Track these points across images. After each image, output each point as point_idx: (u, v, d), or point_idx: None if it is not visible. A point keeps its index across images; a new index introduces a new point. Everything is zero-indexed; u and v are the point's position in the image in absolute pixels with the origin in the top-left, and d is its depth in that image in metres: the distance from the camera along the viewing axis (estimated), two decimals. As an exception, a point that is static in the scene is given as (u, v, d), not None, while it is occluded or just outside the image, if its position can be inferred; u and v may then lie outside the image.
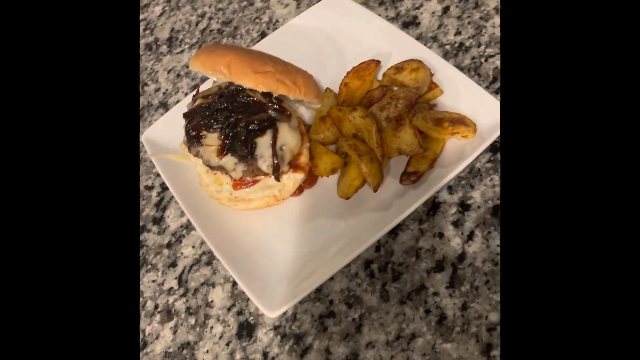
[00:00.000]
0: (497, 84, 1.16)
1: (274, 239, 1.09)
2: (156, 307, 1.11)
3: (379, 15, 1.40)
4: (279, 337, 1.00)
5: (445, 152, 1.07)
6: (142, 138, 1.28)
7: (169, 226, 1.23)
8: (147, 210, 1.27)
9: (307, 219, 1.11)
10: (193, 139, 1.06)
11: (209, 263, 1.13)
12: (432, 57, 1.16)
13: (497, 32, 1.25)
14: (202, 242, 1.17)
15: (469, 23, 1.30)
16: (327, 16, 1.38)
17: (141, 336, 1.08)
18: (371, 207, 1.07)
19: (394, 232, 1.04)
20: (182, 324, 1.07)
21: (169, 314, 1.10)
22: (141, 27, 1.76)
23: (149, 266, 1.18)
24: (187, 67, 1.55)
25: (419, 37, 1.32)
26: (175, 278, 1.14)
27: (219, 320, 1.05)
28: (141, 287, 1.15)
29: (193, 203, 1.15)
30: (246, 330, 1.02)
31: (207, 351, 1.02)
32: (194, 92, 1.17)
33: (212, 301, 1.08)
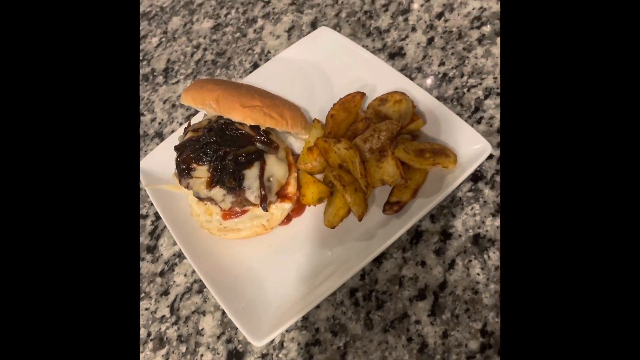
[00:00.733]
0: (479, 114, 1.20)
1: (262, 267, 1.12)
2: (149, 334, 1.14)
3: (366, 46, 1.45)
4: (266, 365, 1.02)
5: (427, 182, 1.11)
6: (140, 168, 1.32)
7: (162, 254, 1.26)
8: (142, 239, 1.31)
9: (294, 247, 1.14)
10: (183, 172, 1.10)
11: (199, 291, 1.16)
12: (414, 89, 1.20)
13: (480, 62, 1.29)
14: (194, 271, 1.20)
15: (452, 54, 1.34)
16: (315, 48, 1.43)
17: (134, 364, 1.11)
18: (356, 235, 1.10)
19: (378, 261, 1.07)
20: (173, 352, 1.10)
21: (161, 341, 1.12)
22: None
23: (143, 294, 1.21)
24: (182, 97, 1.60)
25: (404, 68, 1.37)
26: (168, 306, 1.17)
27: (209, 348, 1.08)
28: (134, 315, 1.18)
29: (184, 233, 1.18)
30: (235, 358, 1.05)
31: (197, 379, 1.05)
32: (186, 124, 1.21)
33: (202, 329, 1.11)
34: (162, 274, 1.23)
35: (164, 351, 1.11)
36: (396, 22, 1.49)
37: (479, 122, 1.19)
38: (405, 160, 1.09)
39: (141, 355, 1.12)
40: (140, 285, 1.23)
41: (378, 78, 1.28)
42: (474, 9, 1.40)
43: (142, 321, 1.17)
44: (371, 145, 1.11)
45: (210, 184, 1.08)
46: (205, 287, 1.16)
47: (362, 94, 1.24)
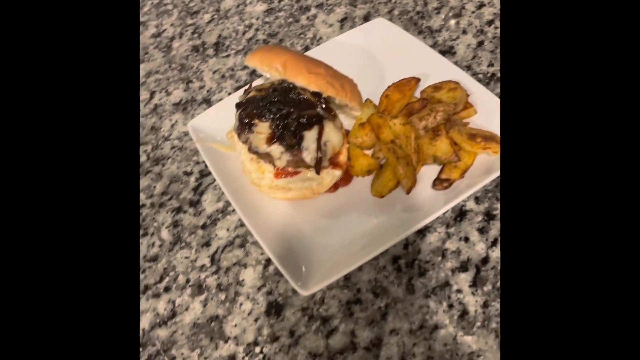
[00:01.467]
0: (526, 112, 1.25)
1: (307, 228, 1.16)
2: (187, 281, 1.17)
3: (419, 41, 1.51)
4: (306, 317, 1.05)
5: (475, 165, 1.16)
6: (188, 125, 1.36)
7: (205, 209, 1.29)
8: (185, 194, 1.34)
9: (339, 213, 1.18)
10: (245, 126, 1.14)
11: (242, 245, 1.19)
12: (468, 80, 1.26)
13: (528, 67, 1.35)
14: (236, 227, 1.23)
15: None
16: (370, 37, 1.49)
17: (170, 307, 1.13)
18: (401, 208, 1.14)
19: (421, 233, 1.11)
20: (212, 299, 1.12)
21: (199, 288, 1.15)
22: (189, 31, 1.87)
23: (183, 244, 1.24)
24: (232, 69, 1.65)
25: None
26: (208, 257, 1.20)
27: (248, 297, 1.10)
28: (173, 262, 1.20)
29: (232, 189, 1.22)
30: (275, 309, 1.08)
31: (235, 325, 1.07)
32: (247, 87, 1.25)
33: (242, 280, 1.13)
34: (204, 226, 1.26)
35: (202, 297, 1.13)
36: (447, 24, 1.56)
37: (525, 118, 1.24)
38: (458, 141, 1.14)
39: (179, 299, 1.14)
40: (181, 235, 1.25)
41: (432, 69, 1.34)
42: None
43: (181, 268, 1.19)
44: (427, 123, 1.16)
45: (270, 140, 1.13)
46: (247, 242, 1.19)
47: (417, 79, 1.30)
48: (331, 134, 1.16)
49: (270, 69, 1.18)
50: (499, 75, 1.37)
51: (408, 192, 1.14)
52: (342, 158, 1.21)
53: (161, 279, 1.19)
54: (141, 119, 1.59)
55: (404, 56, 1.41)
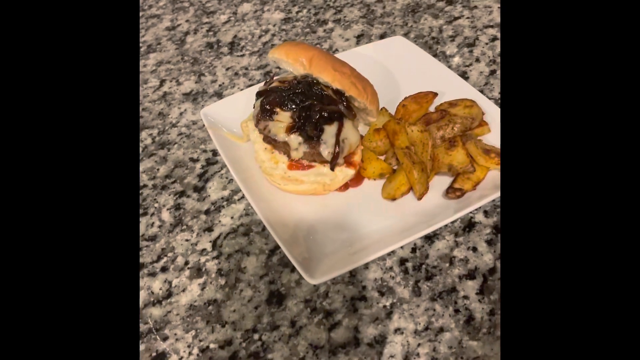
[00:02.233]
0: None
1: (316, 222, 1.15)
2: (186, 263, 1.13)
3: (434, 62, 1.56)
4: (308, 309, 1.02)
5: (486, 180, 1.18)
6: (201, 112, 1.35)
7: (209, 196, 1.27)
8: (189, 179, 1.31)
9: (348, 212, 1.17)
10: (266, 113, 1.14)
11: (246, 234, 1.17)
12: (483, 100, 1.30)
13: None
14: (241, 215, 1.21)
15: (513, 86, 1.46)
16: (389, 52, 1.53)
17: (167, 287, 1.09)
18: (411, 213, 1.15)
19: (430, 239, 1.11)
20: (211, 283, 1.09)
21: (199, 271, 1.11)
22: (204, 29, 1.88)
23: (184, 227, 1.20)
24: (247, 68, 1.66)
25: (467, 88, 1.47)
26: (210, 241, 1.17)
27: (249, 285, 1.07)
28: (173, 244, 1.17)
29: (242, 177, 1.20)
30: (276, 298, 1.05)
31: (234, 310, 1.03)
32: (269, 78, 1.26)
33: (244, 267, 1.11)
34: (207, 212, 1.23)
35: (200, 280, 1.09)
36: (461, 52, 1.62)
37: (535, 143, 1.28)
38: (473, 154, 1.16)
39: (176, 280, 1.10)
40: (183, 218, 1.22)
41: (448, 87, 1.38)
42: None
43: (180, 250, 1.15)
44: (444, 133, 1.18)
45: (290, 130, 1.12)
46: (252, 230, 1.17)
47: (435, 94, 1.33)
48: (350, 132, 1.17)
49: (296, 62, 1.19)
50: (509, 102, 1.41)
51: (420, 197, 1.14)
52: (357, 158, 1.21)
53: (158, 258, 1.15)
54: (148, 104, 1.57)
55: (421, 73, 1.45)
